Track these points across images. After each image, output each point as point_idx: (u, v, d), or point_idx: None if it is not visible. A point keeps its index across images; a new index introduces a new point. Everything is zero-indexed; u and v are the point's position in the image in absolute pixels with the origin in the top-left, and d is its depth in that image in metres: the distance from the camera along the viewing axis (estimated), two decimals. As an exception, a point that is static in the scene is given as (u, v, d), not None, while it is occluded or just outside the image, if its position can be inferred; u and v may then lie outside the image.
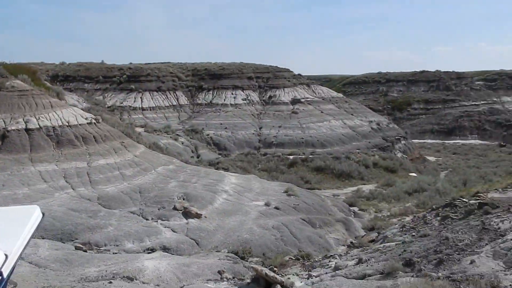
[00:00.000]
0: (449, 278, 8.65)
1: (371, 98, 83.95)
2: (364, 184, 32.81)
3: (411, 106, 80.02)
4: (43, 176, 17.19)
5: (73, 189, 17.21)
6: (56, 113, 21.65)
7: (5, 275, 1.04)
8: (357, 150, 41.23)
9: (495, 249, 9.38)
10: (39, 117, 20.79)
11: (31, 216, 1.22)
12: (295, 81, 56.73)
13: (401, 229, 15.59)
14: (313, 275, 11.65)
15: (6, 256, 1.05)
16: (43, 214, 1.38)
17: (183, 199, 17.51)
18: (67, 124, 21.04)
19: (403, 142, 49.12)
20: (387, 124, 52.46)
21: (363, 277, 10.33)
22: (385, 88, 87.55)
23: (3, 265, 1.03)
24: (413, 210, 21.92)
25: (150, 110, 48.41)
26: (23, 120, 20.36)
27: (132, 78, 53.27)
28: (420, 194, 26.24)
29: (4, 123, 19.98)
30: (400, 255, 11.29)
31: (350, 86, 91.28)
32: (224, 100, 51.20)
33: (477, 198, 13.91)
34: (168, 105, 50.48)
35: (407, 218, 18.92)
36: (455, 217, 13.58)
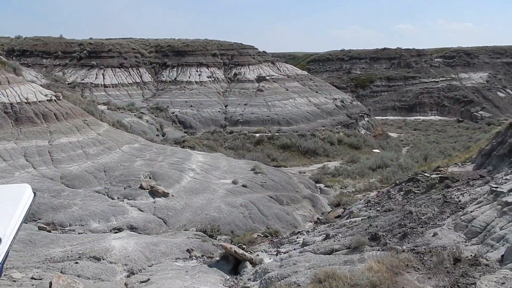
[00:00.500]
0: (413, 251, 8.94)
1: (335, 76, 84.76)
2: (330, 161, 33.35)
3: (374, 83, 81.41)
4: (2, 155, 16.50)
5: (34, 168, 16.62)
6: (13, 89, 20.69)
7: (0, 259, 0.94)
8: (322, 128, 41.71)
9: (456, 222, 9.76)
10: (-6, 94, 19.81)
11: (22, 195, 1.11)
12: (260, 58, 56.41)
13: (366, 204, 15.97)
14: (282, 252, 11.82)
15: (0, 239, 0.95)
16: (35, 193, 1.27)
17: (150, 178, 17.26)
18: (25, 101, 20.17)
19: (366, 119, 50.04)
20: (350, 101, 53.21)
21: (330, 252, 10.55)
22: (348, 65, 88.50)
23: None
24: (377, 186, 22.49)
25: (113, 87, 47.07)
26: (-22, 97, 19.37)
27: (93, 54, 51.46)
28: (384, 170, 26.93)
29: (-43, 100, 18.96)
30: (366, 229, 11.57)
31: (314, 64, 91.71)
32: (189, 77, 50.39)
33: (438, 172, 14.40)
34: (131, 82, 49.21)
35: (372, 194, 19.39)
36: (418, 191, 14.04)
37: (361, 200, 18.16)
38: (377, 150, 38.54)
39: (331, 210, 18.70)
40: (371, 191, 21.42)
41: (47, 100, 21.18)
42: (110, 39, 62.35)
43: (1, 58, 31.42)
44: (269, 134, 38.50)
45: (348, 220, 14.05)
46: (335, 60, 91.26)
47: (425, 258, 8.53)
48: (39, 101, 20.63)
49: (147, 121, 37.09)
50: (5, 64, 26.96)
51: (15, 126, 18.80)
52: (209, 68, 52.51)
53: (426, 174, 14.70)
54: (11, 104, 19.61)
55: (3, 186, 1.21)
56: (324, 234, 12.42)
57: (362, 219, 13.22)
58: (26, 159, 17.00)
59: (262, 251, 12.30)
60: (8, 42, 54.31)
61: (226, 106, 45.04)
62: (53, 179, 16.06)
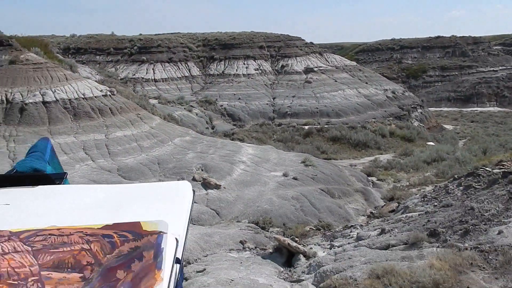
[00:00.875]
0: (477, 249, 8.52)
1: (385, 66, 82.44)
2: (381, 154, 32.54)
3: (427, 73, 78.43)
4: (63, 148, 17.29)
5: (92, 160, 17.31)
6: (71, 85, 21.60)
7: (180, 258, 0.93)
8: (373, 120, 40.77)
9: (524, 219, 9.21)
10: (55, 90, 20.77)
11: (187, 193, 1.10)
12: (307, 49, 55.77)
13: (422, 199, 15.43)
14: (335, 245, 11.65)
15: (177, 240, 0.94)
16: (193, 191, 1.26)
17: (202, 170, 17.53)
18: (82, 96, 21.01)
19: (419, 110, 48.40)
20: (402, 92, 51.61)
21: (386, 247, 10.28)
22: (399, 55, 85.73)
23: (176, 250, 0.92)
24: (432, 180, 21.70)
25: (163, 81, 48.19)
26: (40, 93, 20.37)
27: (143, 50, 52.85)
28: (439, 164, 25.93)
29: (22, 96, 20.01)
30: (424, 225, 11.17)
31: (363, 54, 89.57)
32: (236, 70, 50.68)
33: (501, 167, 13.66)
34: (180, 76, 50.17)
35: (428, 188, 18.75)
36: (479, 186, 13.37)
37: (416, 194, 17.59)
38: (431, 143, 37.22)
39: (384, 204, 18.26)
40: (427, 185, 20.71)
41: (103, 95, 21.96)
42: (159, 34, 63.82)
43: (59, 56, 32.95)
44: (318, 126, 38.08)
45: (404, 215, 13.64)
46: (384, 49, 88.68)
47: (490, 257, 8.11)
48: (95, 97, 21.43)
49: (196, 114, 37.73)
50: (62, 62, 28.24)
51: (74, 121, 19.65)
52: (256, 60, 52.55)
53: (487, 168, 13.98)
54: (69, 100, 20.50)
55: (166, 183, 1.22)
56: (379, 228, 12.12)
57: (419, 214, 12.78)
58: (85, 152, 17.73)
59: (315, 244, 12.19)
60: (64, 40, 56.84)
61: (274, 98, 44.96)
62: (111, 171, 16.66)
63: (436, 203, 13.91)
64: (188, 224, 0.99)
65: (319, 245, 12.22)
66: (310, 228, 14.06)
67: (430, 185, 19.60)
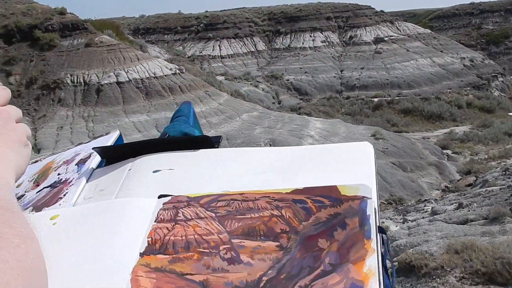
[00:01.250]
0: None
1: (462, 33, 77.04)
2: (457, 126, 30.78)
3: (509, 38, 72.26)
4: (137, 127, 18.10)
5: (164, 137, 17.96)
6: (142, 65, 22.41)
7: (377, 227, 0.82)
8: (448, 90, 38.50)
9: None
10: (127, 70, 21.67)
11: (369, 155, 1.00)
12: (377, 18, 53.40)
13: (503, 172, 14.48)
14: (409, 220, 11.27)
15: (374, 207, 0.84)
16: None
17: (270, 145, 17.59)
18: (153, 75, 21.74)
19: (500, 79, 44.97)
20: (481, 60, 48.13)
21: (464, 222, 9.78)
22: (478, 20, 79.57)
23: (376, 218, 0.81)
24: (515, 152, 20.25)
25: (229, 57, 48.60)
26: (114, 74, 21.36)
27: (209, 27, 53.44)
28: (522, 135, 24.10)
29: (98, 77, 21.10)
30: (506, 200, 10.48)
31: (438, 21, 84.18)
32: (303, 43, 49.83)
33: None
34: (246, 51, 50.29)
35: (509, 161, 17.54)
36: None
37: (496, 168, 16.51)
38: (513, 113, 34.58)
39: (460, 178, 17.35)
40: (508, 158, 19.37)
41: (172, 73, 22.58)
42: (225, 10, 64.14)
43: (129, 37, 34.23)
44: (389, 98, 36.67)
45: (483, 189, 12.88)
46: (462, 15, 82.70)
47: None
48: (165, 75, 22.09)
49: (263, 90, 37.79)
50: (133, 43, 29.33)
51: (146, 100, 20.44)
52: (323, 32, 51.29)
53: None
54: (141, 79, 21.31)
55: (345, 144, 1.10)
56: (456, 203, 11.56)
57: (500, 189, 12.00)
58: (157, 130, 18.43)
59: (387, 219, 11.88)
60: (134, 21, 58.93)
61: (341, 71, 43.82)
62: (182, 147, 17.20)
63: (520, 177, 13.00)
64: (377, 191, 0.87)
65: (391, 219, 11.90)
66: (381, 202, 13.71)
67: (513, 158, 18.29)
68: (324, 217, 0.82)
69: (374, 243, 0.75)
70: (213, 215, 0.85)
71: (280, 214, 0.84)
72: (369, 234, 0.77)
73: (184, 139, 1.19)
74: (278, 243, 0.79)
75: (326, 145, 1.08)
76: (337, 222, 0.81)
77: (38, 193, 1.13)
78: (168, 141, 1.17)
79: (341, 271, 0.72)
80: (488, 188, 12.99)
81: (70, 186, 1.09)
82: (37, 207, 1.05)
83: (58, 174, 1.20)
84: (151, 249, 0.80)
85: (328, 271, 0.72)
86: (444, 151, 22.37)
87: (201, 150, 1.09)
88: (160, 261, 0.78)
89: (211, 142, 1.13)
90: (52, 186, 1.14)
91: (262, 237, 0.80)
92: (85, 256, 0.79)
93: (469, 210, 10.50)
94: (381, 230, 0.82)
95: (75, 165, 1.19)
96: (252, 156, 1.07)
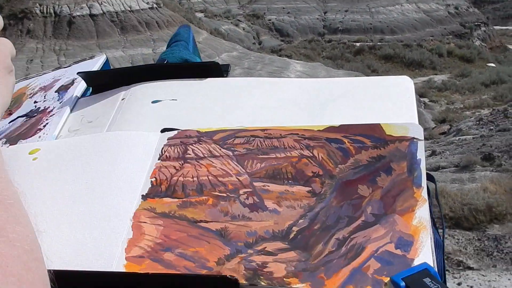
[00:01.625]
0: (536, 175, 8.07)
1: (449, -22, 75.73)
2: (436, 74, 30.95)
3: (495, -13, 71.56)
4: (112, 63, 17.43)
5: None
6: (118, -3, 21.33)
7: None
8: (431, 38, 38.27)
9: None
10: (101, 2, 20.62)
11: (409, 90, 0.84)
12: (365, -41, 51.71)
13: (477, 122, 14.71)
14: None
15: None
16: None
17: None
18: (129, 9, 20.78)
19: (483, 28, 44.79)
20: (466, 8, 47.60)
21: (436, 169, 9.98)
22: (466, -34, 78.12)
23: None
24: (489, 103, 20.61)
25: (210, -6, 46.76)
26: (87, 5, 20.31)
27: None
28: (499, 86, 24.36)
29: (69, 8, 20.05)
30: (478, 149, 10.69)
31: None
32: (287, -18, 48.16)
33: None
34: (228, -12, 48.42)
35: (483, 111, 17.86)
36: (543, 110, 12.51)
37: (471, 117, 16.83)
38: (492, 64, 34.81)
39: (435, 126, 17.66)
40: (483, 108, 19.73)
41: (149, 8, 21.62)
42: None
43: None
44: (371, 43, 36.30)
45: (456, 138, 13.11)
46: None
47: (549, 183, 7.67)
48: (142, 9, 21.14)
49: (243, 29, 36.78)
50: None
51: (121, 35, 19.64)
52: (308, -28, 49.54)
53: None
54: (116, 12, 20.35)
55: (382, 78, 0.93)
56: (429, 150, 11.75)
57: (473, 138, 12.22)
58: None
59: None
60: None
61: (325, 13, 42.82)
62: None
63: (492, 127, 13.22)
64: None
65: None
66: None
67: (487, 109, 18.64)
68: (365, 160, 0.70)
69: (425, 192, 0.63)
70: (230, 153, 0.72)
71: (312, 154, 0.72)
72: (420, 181, 0.65)
73: (188, 65, 1.02)
74: (310, 188, 0.67)
75: (359, 78, 0.94)
76: (381, 166, 0.69)
77: (11, 123, 0.97)
78: (170, 67, 1.00)
79: (386, 223, 0.61)
80: (461, 137, 13.23)
81: (51, 116, 0.92)
82: (11, 139, 0.89)
83: (35, 102, 1.02)
84: (155, 191, 0.67)
85: (371, 223, 0.61)
86: (422, 99, 22.57)
87: (209, 78, 0.93)
88: (167, 206, 0.65)
89: (221, 70, 0.95)
90: (28, 115, 0.97)
91: (290, 181, 0.68)
92: (74, 199, 0.64)
93: (441, 158, 10.71)
94: (430, 177, 0.70)
95: (55, 92, 1.02)
96: (272, 87, 0.92)
